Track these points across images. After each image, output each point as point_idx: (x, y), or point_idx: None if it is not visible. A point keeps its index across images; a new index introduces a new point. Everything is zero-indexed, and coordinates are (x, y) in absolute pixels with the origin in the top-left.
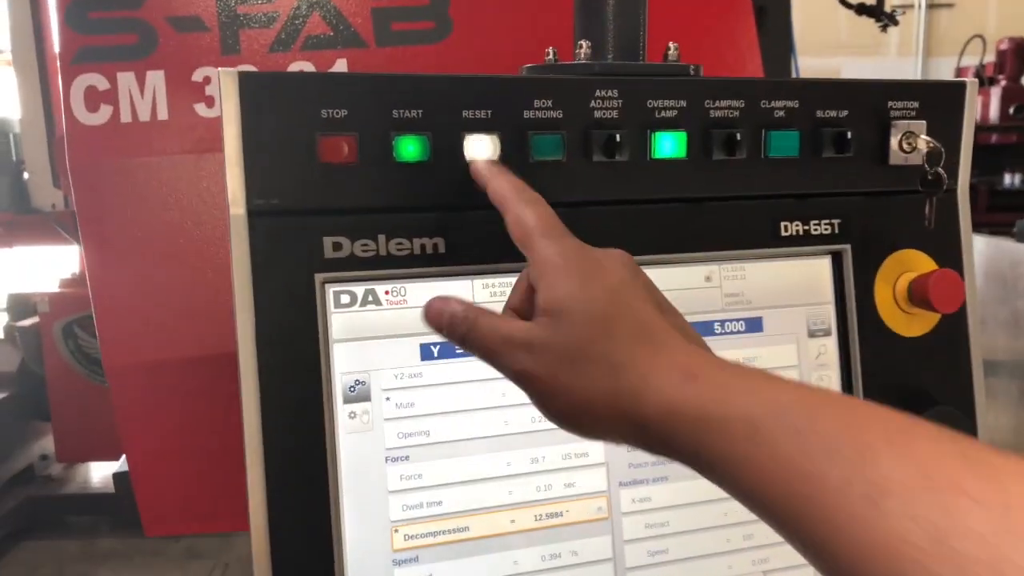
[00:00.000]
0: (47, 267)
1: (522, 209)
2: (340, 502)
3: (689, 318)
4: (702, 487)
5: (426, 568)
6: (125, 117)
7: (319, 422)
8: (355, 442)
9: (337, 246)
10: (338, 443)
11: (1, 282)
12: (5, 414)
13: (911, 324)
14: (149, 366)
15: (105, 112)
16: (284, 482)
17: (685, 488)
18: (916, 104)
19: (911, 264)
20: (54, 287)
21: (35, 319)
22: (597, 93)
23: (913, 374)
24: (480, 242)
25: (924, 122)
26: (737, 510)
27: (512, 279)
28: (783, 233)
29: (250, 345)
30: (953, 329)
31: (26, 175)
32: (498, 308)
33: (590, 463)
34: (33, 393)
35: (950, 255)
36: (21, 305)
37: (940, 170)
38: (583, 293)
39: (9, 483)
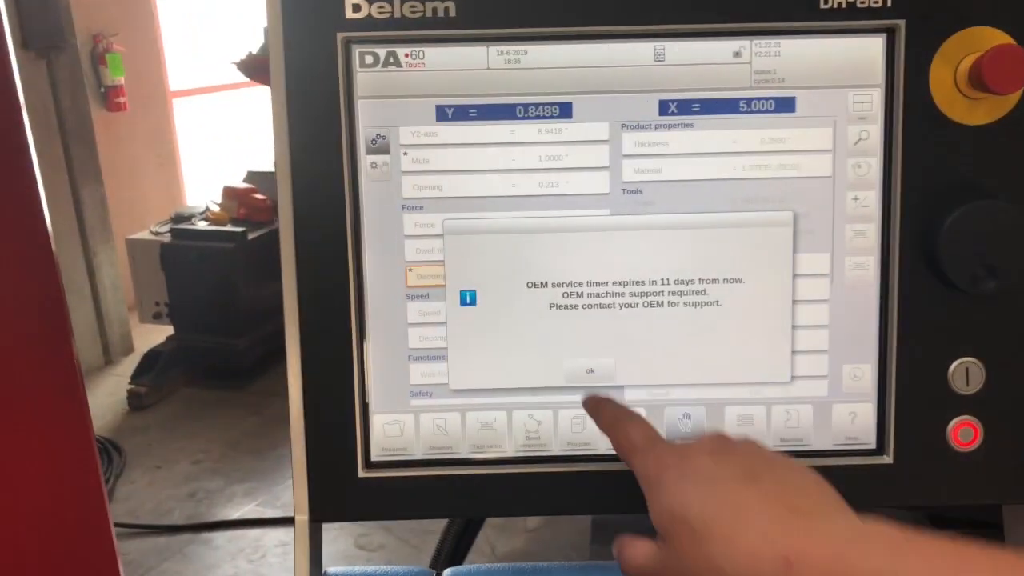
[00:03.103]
0: None
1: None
2: (362, 242)
3: (711, 95)
4: None
5: (436, 305)
6: None
7: (344, 168)
8: (376, 189)
9: (356, 7)
10: (361, 189)
11: None
12: None
13: (973, 111)
14: None
15: None
16: (311, 223)
17: None
18: None
19: (981, 44)
20: None
21: None
22: None
23: (967, 165)
24: (491, 7)
25: None
26: None
27: (527, 46)
28: (823, 5)
29: (282, 97)
30: None
31: None
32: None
33: None
34: None
35: None
36: None
37: None
38: (678, 506)
39: None
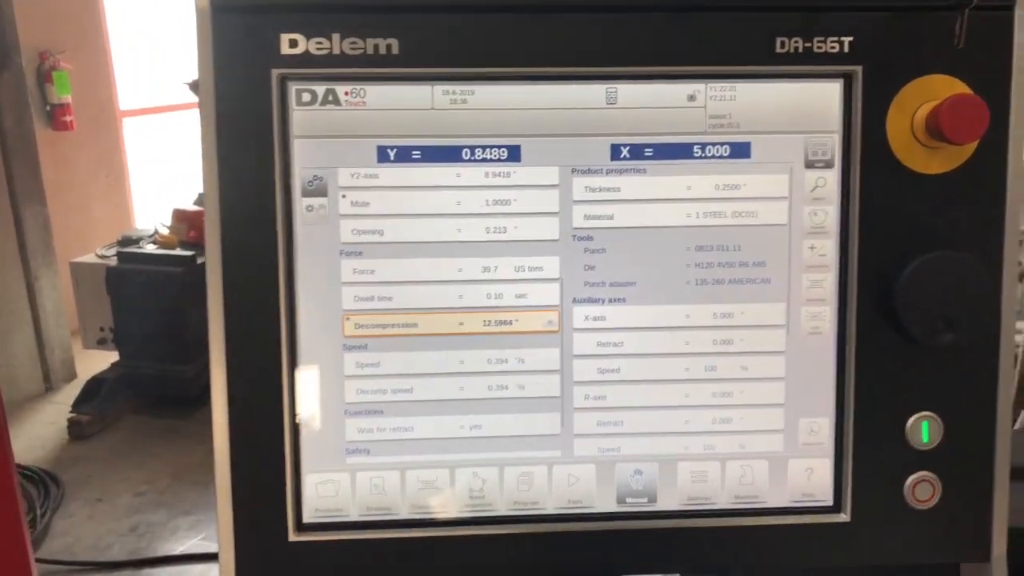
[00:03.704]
0: None
1: None
2: (296, 289)
3: (665, 139)
4: (662, 312)
5: (375, 356)
6: None
7: (277, 211)
8: (312, 233)
9: (293, 43)
10: (295, 232)
11: None
12: None
13: (930, 160)
14: None
15: None
16: (240, 268)
17: (644, 312)
18: None
19: (938, 92)
20: None
21: None
22: None
23: (924, 214)
24: (436, 45)
25: None
26: (702, 339)
27: (474, 86)
28: (779, 50)
29: (212, 135)
30: (985, 168)
31: None
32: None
33: (544, 277)
34: None
35: (992, 82)
36: None
37: None
38: None
39: None
